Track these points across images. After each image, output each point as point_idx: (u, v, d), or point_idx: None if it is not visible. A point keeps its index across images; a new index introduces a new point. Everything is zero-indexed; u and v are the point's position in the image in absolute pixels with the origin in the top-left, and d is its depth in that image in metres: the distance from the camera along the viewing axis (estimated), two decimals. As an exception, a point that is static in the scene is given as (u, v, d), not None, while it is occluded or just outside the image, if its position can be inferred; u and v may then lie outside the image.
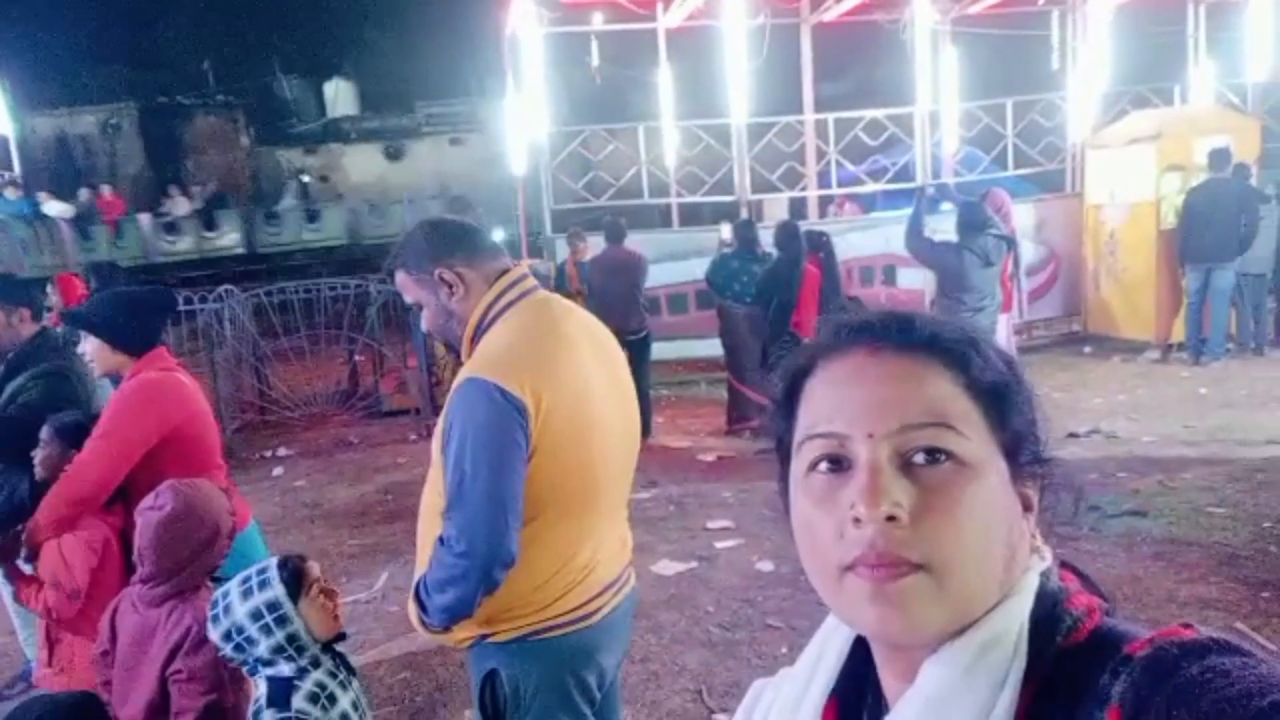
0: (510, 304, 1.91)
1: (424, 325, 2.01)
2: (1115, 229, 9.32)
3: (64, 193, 17.23)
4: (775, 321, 6.46)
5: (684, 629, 3.96)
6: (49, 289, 6.08)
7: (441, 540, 1.79)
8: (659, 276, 8.69)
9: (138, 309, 2.88)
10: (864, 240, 9.14)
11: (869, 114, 10.29)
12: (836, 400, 0.71)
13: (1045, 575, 0.71)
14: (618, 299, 6.84)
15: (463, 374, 1.82)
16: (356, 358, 8.97)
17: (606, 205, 9.92)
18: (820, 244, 7.01)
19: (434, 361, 8.34)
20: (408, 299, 1.99)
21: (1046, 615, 0.68)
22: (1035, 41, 12.38)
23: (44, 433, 2.90)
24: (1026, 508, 0.72)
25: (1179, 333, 8.59)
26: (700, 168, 10.27)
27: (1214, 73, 10.85)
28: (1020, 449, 0.71)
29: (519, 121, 10.50)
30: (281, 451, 7.50)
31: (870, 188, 10.88)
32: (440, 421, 1.84)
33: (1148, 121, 9.39)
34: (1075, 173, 10.21)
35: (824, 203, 12.03)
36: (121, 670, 2.27)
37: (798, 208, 11.25)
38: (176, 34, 24.01)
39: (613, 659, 2.01)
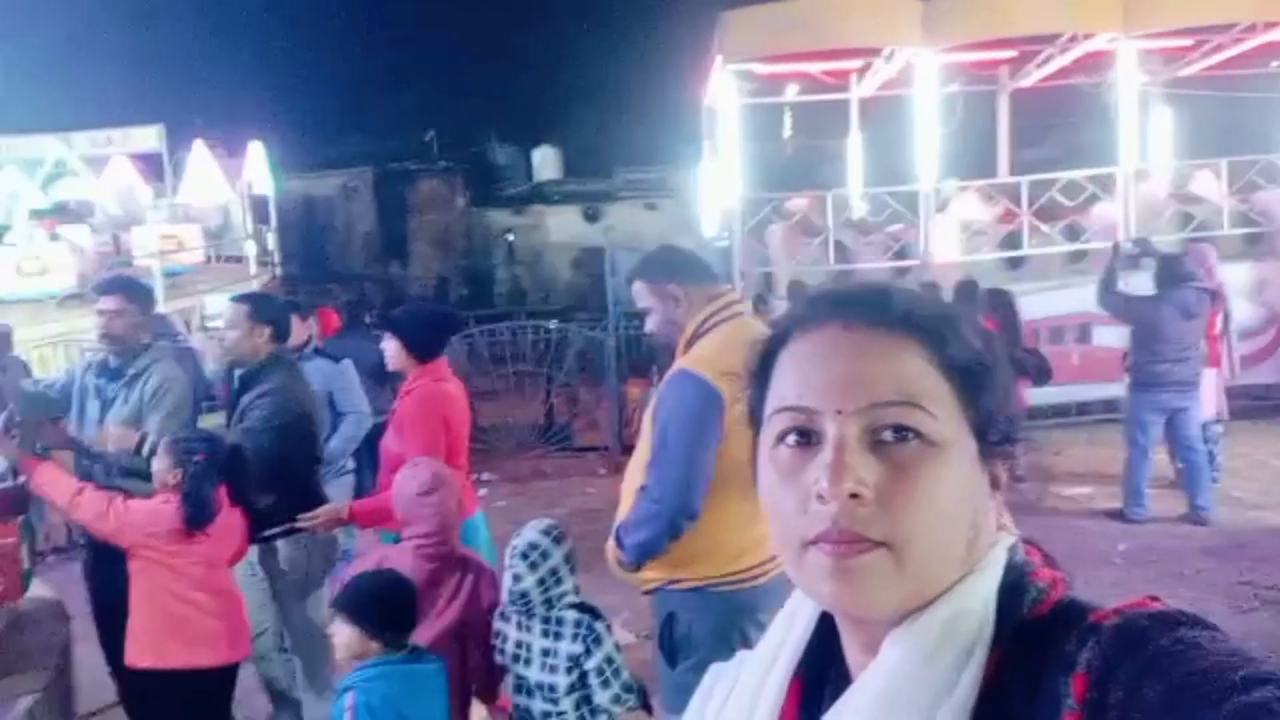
0: (721, 320, 2.37)
1: (648, 327, 2.50)
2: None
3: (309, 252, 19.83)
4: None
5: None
6: (311, 319, 7.10)
7: (643, 488, 2.24)
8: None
9: (433, 324, 3.52)
10: (1056, 300, 8.98)
11: (1065, 175, 10.15)
12: (808, 374, 0.71)
13: (1011, 550, 0.72)
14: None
15: (676, 365, 2.33)
16: (553, 398, 9.71)
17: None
18: (1000, 304, 6.98)
19: (625, 404, 8.91)
20: (640, 304, 2.48)
21: (1012, 587, 0.69)
22: (1257, 102, 11.77)
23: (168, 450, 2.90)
24: (995, 485, 0.72)
25: None
26: (887, 234, 10.43)
27: None
28: (990, 428, 0.71)
29: (713, 188, 11.07)
30: (485, 476, 8.26)
31: (1064, 248, 10.63)
32: (654, 399, 2.36)
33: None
34: (1301, 235, 9.60)
35: (1012, 266, 11.82)
36: None
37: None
38: (407, 107, 26.78)
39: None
